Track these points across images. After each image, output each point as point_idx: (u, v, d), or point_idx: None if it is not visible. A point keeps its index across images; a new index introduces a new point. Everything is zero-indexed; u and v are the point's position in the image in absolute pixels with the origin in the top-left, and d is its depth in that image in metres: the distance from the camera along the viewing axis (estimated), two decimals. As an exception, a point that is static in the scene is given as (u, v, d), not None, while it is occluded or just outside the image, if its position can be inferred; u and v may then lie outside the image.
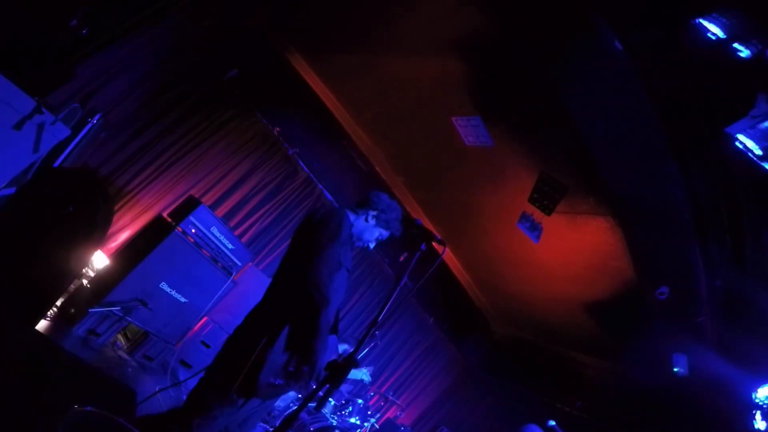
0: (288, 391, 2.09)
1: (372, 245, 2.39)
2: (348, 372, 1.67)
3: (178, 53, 4.43)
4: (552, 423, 4.21)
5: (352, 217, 2.31)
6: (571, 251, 5.50)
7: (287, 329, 2.00)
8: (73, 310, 4.14)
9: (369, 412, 5.05)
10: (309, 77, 5.73)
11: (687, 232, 3.83)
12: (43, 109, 2.37)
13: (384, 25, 4.63)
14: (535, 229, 5.26)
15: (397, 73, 5.04)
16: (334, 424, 4.47)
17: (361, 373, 2.99)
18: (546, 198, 4.80)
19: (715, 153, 3.23)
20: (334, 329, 2.38)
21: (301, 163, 6.31)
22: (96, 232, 2.07)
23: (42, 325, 3.63)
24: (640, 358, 5.95)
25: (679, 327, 4.96)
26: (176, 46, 4.30)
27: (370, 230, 2.32)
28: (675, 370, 4.92)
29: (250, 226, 6.05)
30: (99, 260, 4.65)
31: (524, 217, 5.26)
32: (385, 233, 2.37)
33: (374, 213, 2.32)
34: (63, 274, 1.98)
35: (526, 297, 7.07)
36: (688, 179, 3.48)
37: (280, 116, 5.88)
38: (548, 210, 4.83)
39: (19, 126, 2.25)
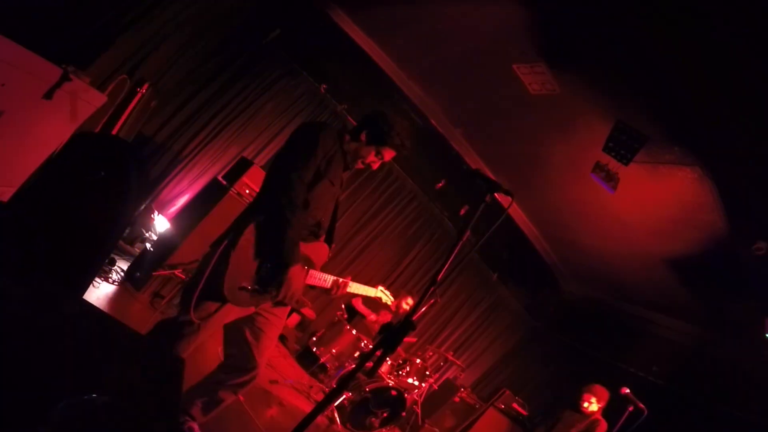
0: (266, 295, 2.07)
1: (370, 162, 2.39)
2: (404, 335, 1.60)
3: (217, 18, 4.29)
4: (627, 391, 3.91)
5: (347, 138, 2.38)
6: (652, 203, 4.97)
7: (255, 234, 2.03)
8: (138, 274, 4.35)
9: (427, 372, 4.98)
10: (353, 32, 5.42)
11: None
12: (73, 77, 2.32)
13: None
14: (611, 179, 4.76)
15: (447, 22, 4.61)
16: (391, 384, 4.45)
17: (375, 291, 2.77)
18: (623, 147, 4.32)
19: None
20: (328, 239, 2.40)
21: (350, 119, 6.10)
22: (131, 195, 2.01)
23: (108, 289, 3.85)
24: (728, 321, 5.41)
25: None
26: (215, 11, 4.15)
27: (364, 148, 2.34)
28: (768, 335, 4.40)
29: (303, 184, 6.00)
30: (161, 224, 4.82)
31: (598, 167, 4.77)
32: (383, 147, 2.35)
33: (366, 130, 2.33)
34: (100, 240, 1.96)
35: (601, 252, 6.56)
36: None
37: (327, 73, 5.68)
38: (625, 160, 4.35)
39: (49, 95, 2.23)
